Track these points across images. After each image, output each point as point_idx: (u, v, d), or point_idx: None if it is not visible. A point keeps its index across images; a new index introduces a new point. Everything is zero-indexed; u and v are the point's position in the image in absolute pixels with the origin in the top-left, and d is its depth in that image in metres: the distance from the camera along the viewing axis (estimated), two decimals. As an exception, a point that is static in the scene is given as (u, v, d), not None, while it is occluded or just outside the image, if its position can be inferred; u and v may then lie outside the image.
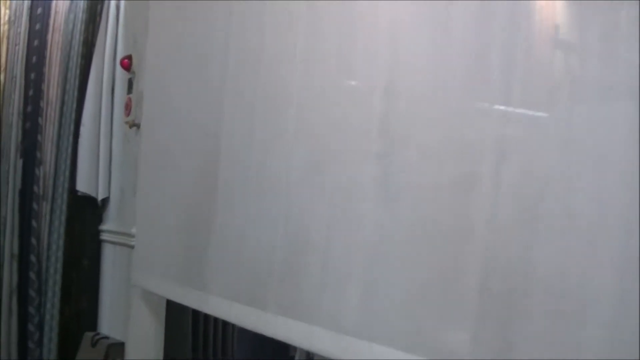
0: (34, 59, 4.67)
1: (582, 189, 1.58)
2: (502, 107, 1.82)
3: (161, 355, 4.03)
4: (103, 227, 4.54)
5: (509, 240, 1.77)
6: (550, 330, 1.65)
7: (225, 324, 4.46)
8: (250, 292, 2.70)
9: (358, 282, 2.21)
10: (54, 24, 4.71)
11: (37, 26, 4.67)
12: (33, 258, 4.69)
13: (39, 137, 4.68)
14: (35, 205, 4.69)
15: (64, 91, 4.66)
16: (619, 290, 1.51)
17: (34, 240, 4.71)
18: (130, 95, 4.19)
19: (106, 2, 4.56)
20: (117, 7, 4.52)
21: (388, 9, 2.17)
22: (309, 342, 2.41)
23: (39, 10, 4.67)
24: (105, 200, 4.51)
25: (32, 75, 4.65)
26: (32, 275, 4.68)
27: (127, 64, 4.23)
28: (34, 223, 4.73)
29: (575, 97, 1.62)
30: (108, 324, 4.42)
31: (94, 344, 4.19)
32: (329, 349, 2.32)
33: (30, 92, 4.74)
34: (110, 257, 4.47)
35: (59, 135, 4.66)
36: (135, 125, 4.06)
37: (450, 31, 1.99)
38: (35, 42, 4.67)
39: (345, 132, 2.32)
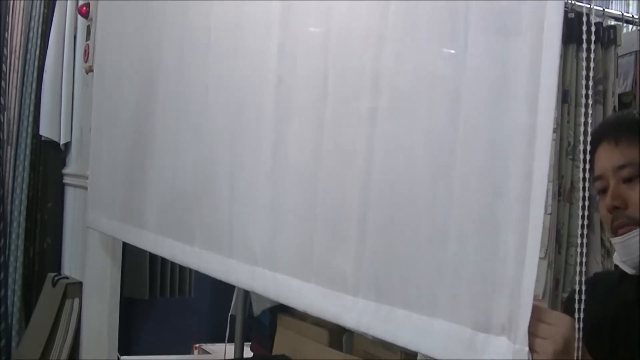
0: (-3, 7, 4.75)
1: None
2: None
3: (118, 294, 4.15)
4: (65, 170, 4.62)
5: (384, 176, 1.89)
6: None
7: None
8: (179, 228, 2.83)
9: (262, 219, 2.34)
10: (17, -31, 4.77)
11: (0, -28, 4.74)
12: (-3, 202, 4.78)
13: (3, 84, 4.75)
14: (-1, 151, 4.78)
15: (27, 39, 4.75)
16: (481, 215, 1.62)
17: (-3, 185, 4.79)
18: (89, 42, 4.26)
19: (69, -50, 4.63)
20: (79, -45, 4.59)
21: None
22: (226, 274, 2.54)
23: (2, -42, 4.73)
24: (68, 145, 4.59)
25: (-4, 23, 4.72)
26: (-4, 219, 4.77)
27: (85, 11, 4.30)
28: (-2, 168, 4.81)
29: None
30: (70, 265, 4.52)
31: (54, 283, 4.30)
32: (242, 279, 2.45)
33: (-6, 41, 4.81)
34: (71, 200, 4.57)
35: (23, 82, 4.74)
36: (92, 70, 4.13)
37: None
38: (-1, -11, 4.75)
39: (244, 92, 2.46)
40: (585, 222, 1.47)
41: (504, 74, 1.57)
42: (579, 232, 1.47)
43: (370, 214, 1.92)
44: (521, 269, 1.47)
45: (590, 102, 1.65)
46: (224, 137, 2.57)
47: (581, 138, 1.51)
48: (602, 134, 1.86)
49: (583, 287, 1.43)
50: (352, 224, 1.96)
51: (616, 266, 1.92)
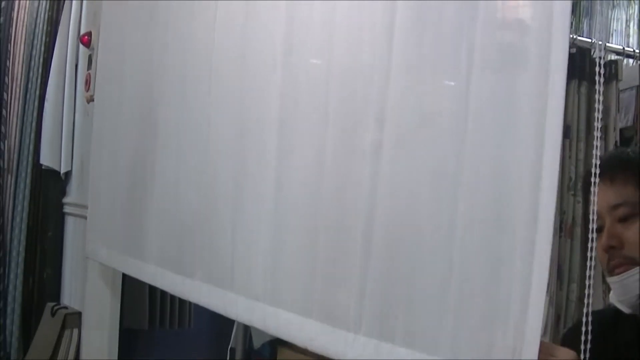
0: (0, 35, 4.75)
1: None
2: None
3: (117, 324, 4.13)
4: (66, 199, 4.62)
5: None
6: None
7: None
8: (179, 260, 2.81)
9: (264, 253, 2.33)
10: (19, 1, 4.78)
11: (3, 4, 4.74)
12: (-4, 230, 4.77)
13: (4, 112, 4.76)
14: (0, 179, 4.77)
15: (28, 67, 4.75)
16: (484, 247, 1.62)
17: (-3, 213, 4.79)
18: (90, 71, 4.26)
19: (71, -21, 4.65)
20: (82, -15, 4.61)
21: None
22: (225, 308, 2.53)
23: (5, -8, 4.75)
24: (68, 174, 4.59)
25: (-2, 52, 4.73)
26: (-4, 247, 4.76)
27: (87, 40, 4.31)
28: (-2, 196, 4.81)
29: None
30: (69, 295, 4.51)
31: (53, 313, 4.28)
32: (242, 314, 2.44)
33: (-4, 68, 4.82)
34: (71, 229, 4.56)
35: (24, 110, 4.74)
36: (93, 100, 4.13)
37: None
38: (1, 19, 4.75)
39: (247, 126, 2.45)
40: (593, 255, 1.46)
41: (509, 110, 1.57)
42: (588, 263, 1.47)
43: (373, 251, 1.91)
44: (526, 306, 1.46)
45: (598, 135, 1.65)
46: (226, 170, 2.56)
47: (593, 170, 1.50)
48: (599, 172, 1.86)
49: (590, 318, 1.43)
50: (355, 260, 1.95)
51: (609, 304, 1.91)
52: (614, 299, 1.87)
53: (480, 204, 1.62)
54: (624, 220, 1.79)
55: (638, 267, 1.77)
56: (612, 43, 4.65)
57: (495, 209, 1.58)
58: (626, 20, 4.96)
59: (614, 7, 4.99)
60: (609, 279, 1.84)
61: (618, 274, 1.80)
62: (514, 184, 1.53)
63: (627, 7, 4.95)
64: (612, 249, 1.80)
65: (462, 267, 1.65)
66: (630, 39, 4.92)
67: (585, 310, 1.45)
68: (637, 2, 4.92)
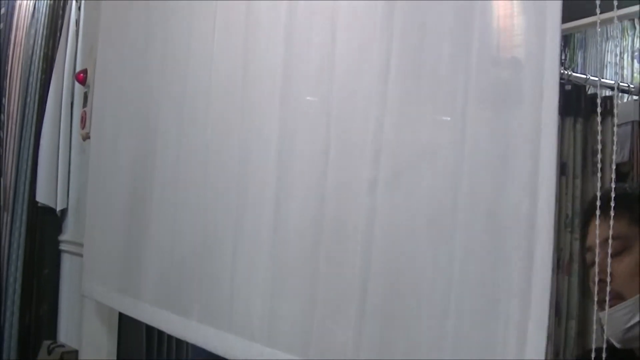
0: (-5, 73, 4.78)
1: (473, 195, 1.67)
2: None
3: (114, 361, 4.12)
4: (62, 237, 4.61)
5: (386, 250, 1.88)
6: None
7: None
8: (175, 299, 2.80)
9: (262, 294, 2.32)
10: (15, 38, 4.80)
11: (-2, 40, 4.77)
12: (-7, 268, 4.76)
13: (0, 149, 4.76)
14: (-5, 216, 4.77)
15: (24, 104, 4.77)
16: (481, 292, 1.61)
17: (-6, 250, 4.78)
18: (86, 109, 4.28)
19: (67, 17, 4.67)
20: (77, 23, 4.63)
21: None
22: (223, 348, 2.51)
23: (1, 26, 4.76)
24: (64, 211, 4.59)
25: (-7, 89, 4.75)
26: (-8, 284, 4.75)
27: (82, 77, 4.32)
28: (-6, 233, 4.80)
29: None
30: (66, 332, 4.50)
31: (50, 351, 4.26)
32: (240, 355, 2.42)
33: (-9, 105, 4.83)
34: (67, 267, 4.56)
35: (20, 147, 4.75)
36: (89, 137, 4.14)
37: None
38: (-3, 56, 4.79)
39: (245, 163, 2.45)
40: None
41: (505, 146, 1.57)
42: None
43: (371, 288, 1.90)
44: (523, 343, 1.46)
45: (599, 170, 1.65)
46: (225, 208, 2.56)
47: (598, 203, 1.50)
48: (594, 208, 1.86)
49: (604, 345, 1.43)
50: (353, 299, 1.95)
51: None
52: (606, 332, 1.87)
53: (477, 241, 1.61)
54: (614, 254, 1.80)
55: (624, 302, 1.78)
56: (606, 75, 4.67)
57: (492, 246, 1.58)
58: (620, 53, 4.97)
59: (607, 39, 5.01)
60: (599, 314, 1.84)
61: (608, 308, 1.80)
62: (510, 222, 1.53)
63: (621, 39, 4.96)
64: (602, 283, 1.80)
65: (459, 304, 1.64)
66: (625, 70, 4.93)
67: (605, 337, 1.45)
68: (630, 34, 4.94)
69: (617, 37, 4.92)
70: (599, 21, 1.53)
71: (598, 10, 1.48)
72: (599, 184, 1.64)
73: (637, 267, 1.79)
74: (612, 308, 1.79)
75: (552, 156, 1.45)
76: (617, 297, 1.79)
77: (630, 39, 4.95)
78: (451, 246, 1.67)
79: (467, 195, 1.65)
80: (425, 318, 1.74)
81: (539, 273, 1.44)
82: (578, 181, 2.96)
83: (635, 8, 2.96)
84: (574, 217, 3.08)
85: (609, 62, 4.97)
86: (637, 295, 1.78)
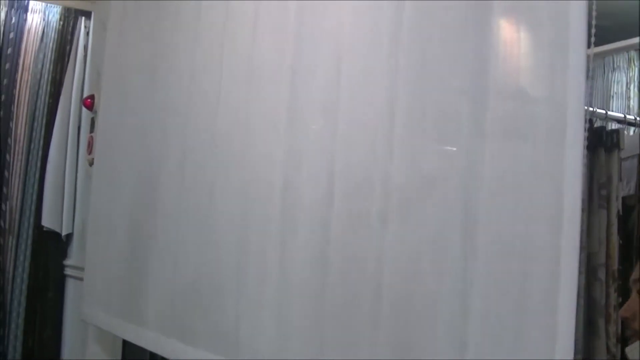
0: (3, 97, 4.76)
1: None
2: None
3: (116, 388, 4.10)
4: (67, 262, 4.62)
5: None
6: None
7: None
8: (180, 327, 2.79)
9: (268, 323, 2.31)
10: (23, 63, 4.81)
11: (7, 65, 4.76)
12: (-3, 291, 4.75)
13: (6, 173, 4.76)
14: (1, 240, 4.76)
15: (31, 129, 4.77)
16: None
17: (-2, 274, 4.78)
18: (92, 134, 4.29)
19: (75, 43, 4.69)
20: (85, 48, 4.65)
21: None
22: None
23: (9, 51, 4.77)
24: (70, 236, 4.60)
25: (1, 113, 4.74)
26: (-4, 307, 4.75)
27: (89, 103, 4.34)
28: (-1, 257, 4.80)
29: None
30: (69, 357, 4.49)
31: (53, 376, 4.26)
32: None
33: (-2, 129, 4.84)
34: (72, 291, 4.56)
35: (26, 172, 4.75)
36: (95, 163, 4.15)
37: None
38: (5, 81, 4.78)
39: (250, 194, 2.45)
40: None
41: (520, 179, 1.56)
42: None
43: (382, 322, 1.89)
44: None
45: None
46: (229, 240, 2.55)
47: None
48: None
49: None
50: (363, 334, 1.94)
51: None
52: None
53: (494, 275, 1.61)
54: None
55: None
56: (612, 106, 4.65)
57: (509, 281, 1.57)
58: (626, 83, 4.96)
59: (614, 69, 5.00)
60: (626, 349, 1.85)
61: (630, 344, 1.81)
62: (528, 253, 1.52)
63: (628, 70, 4.95)
64: (626, 320, 1.81)
65: (477, 341, 1.63)
66: (631, 101, 4.92)
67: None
68: (637, 64, 4.94)
69: (624, 68, 4.92)
70: (592, 55, 1.53)
71: (592, 44, 1.48)
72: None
73: None
74: (631, 345, 1.79)
75: (577, 194, 1.44)
76: (635, 335, 1.79)
77: (636, 69, 4.94)
78: (465, 279, 1.66)
79: (481, 228, 1.64)
80: (436, 354, 1.73)
81: (564, 314, 1.43)
82: (584, 215, 2.95)
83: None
84: (580, 251, 3.06)
85: (615, 93, 4.96)
86: None
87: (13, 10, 4.76)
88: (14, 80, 4.85)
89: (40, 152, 4.71)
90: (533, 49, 1.63)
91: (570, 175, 1.44)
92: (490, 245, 1.63)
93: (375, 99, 1.98)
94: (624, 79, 4.95)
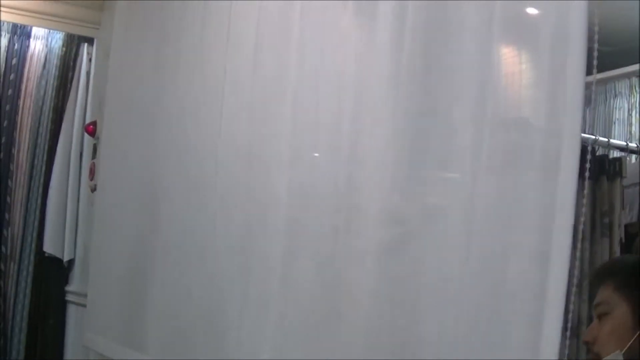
0: (5, 123, 4.78)
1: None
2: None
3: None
4: (68, 287, 4.61)
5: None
6: None
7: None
8: (181, 354, 2.78)
9: (270, 345, 2.30)
10: (25, 89, 4.82)
11: (9, 92, 4.78)
12: (-2, 317, 4.75)
13: (8, 199, 4.77)
14: (2, 266, 4.75)
15: (33, 155, 4.78)
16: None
17: (-1, 300, 4.77)
18: (95, 160, 4.29)
19: (77, 69, 4.70)
20: (88, 75, 4.67)
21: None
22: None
23: (12, 77, 4.78)
24: (71, 262, 4.59)
25: (3, 139, 4.75)
26: (-3, 333, 4.74)
27: (92, 129, 4.34)
28: (0, 283, 4.79)
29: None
30: (71, 384, 4.48)
31: (53, 403, 4.24)
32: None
33: (1, 155, 4.83)
34: (73, 317, 4.55)
35: (28, 198, 4.76)
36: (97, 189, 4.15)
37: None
38: (7, 107, 4.79)
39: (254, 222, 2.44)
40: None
41: (515, 210, 1.56)
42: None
43: (378, 351, 1.89)
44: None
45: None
46: (231, 268, 2.55)
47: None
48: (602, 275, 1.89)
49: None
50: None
51: None
52: None
53: (484, 308, 1.61)
54: (600, 318, 1.82)
55: None
56: (614, 132, 4.65)
57: (498, 314, 1.57)
58: (628, 109, 4.96)
59: (615, 96, 5.00)
60: None
61: None
62: (518, 290, 1.52)
63: (629, 96, 4.95)
64: (587, 344, 1.83)
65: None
66: (633, 127, 4.92)
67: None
68: (638, 91, 4.93)
69: (626, 94, 4.91)
70: (594, 81, 1.53)
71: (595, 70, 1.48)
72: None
73: (613, 331, 1.80)
74: None
75: (568, 225, 1.44)
76: (595, 359, 1.81)
77: (638, 95, 4.94)
78: (459, 309, 1.67)
79: (475, 259, 1.65)
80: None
81: (547, 341, 1.44)
82: (587, 243, 2.94)
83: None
84: (582, 279, 3.05)
85: (617, 119, 4.95)
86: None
87: (16, 36, 4.78)
88: (16, 107, 4.86)
89: (42, 178, 4.72)
90: (533, 80, 1.63)
91: (561, 206, 1.44)
92: (481, 277, 1.63)
93: (377, 128, 1.98)
94: (626, 105, 4.95)
